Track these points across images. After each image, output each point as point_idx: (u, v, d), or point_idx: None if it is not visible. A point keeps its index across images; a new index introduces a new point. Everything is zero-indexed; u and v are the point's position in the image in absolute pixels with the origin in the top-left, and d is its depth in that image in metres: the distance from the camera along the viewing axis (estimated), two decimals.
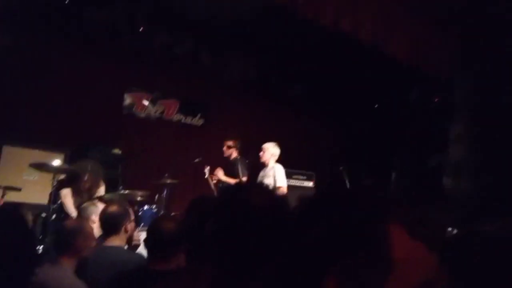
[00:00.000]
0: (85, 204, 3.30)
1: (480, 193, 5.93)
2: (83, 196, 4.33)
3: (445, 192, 6.24)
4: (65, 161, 5.10)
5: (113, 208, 2.63)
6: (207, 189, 5.37)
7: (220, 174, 5.25)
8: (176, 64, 6.46)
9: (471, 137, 6.25)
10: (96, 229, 2.78)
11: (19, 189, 4.45)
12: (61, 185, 4.34)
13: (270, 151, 5.15)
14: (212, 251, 1.08)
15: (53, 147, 5.22)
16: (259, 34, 6.24)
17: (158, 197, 5.14)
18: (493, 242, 1.47)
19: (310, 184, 7.22)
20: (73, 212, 4.19)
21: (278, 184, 4.96)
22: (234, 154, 5.39)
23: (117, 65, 6.13)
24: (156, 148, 6.36)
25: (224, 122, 7.00)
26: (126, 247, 2.74)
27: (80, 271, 2.30)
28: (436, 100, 6.72)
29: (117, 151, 5.70)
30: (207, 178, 5.45)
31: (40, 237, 4.26)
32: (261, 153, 5.17)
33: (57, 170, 4.18)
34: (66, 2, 5.28)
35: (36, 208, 4.56)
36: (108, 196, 4.34)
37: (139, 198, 4.77)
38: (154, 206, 5.06)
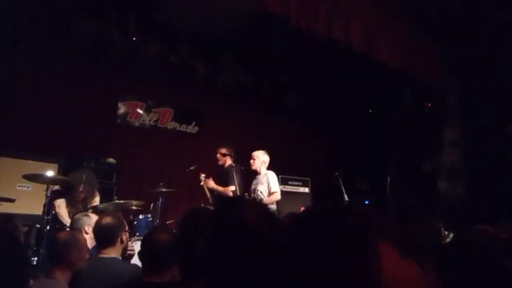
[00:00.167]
0: (77, 215, 3.27)
1: (474, 197, 5.97)
2: (78, 207, 4.30)
3: (440, 196, 6.28)
4: (59, 171, 5.07)
5: (108, 220, 2.61)
6: (203, 197, 5.35)
7: (211, 183, 5.26)
8: (170, 73, 6.46)
9: (465, 142, 6.31)
10: (89, 240, 2.76)
11: (13, 200, 4.40)
12: (55, 195, 4.31)
13: (261, 158, 5.25)
14: (204, 265, 1.08)
15: (47, 157, 5.18)
16: (252, 42, 6.28)
17: (153, 205, 5.11)
18: (486, 249, 1.48)
19: (306, 190, 7.25)
20: (67, 222, 4.16)
21: (272, 190, 5.10)
22: (228, 161, 5.38)
23: (111, 74, 6.13)
24: (151, 156, 6.35)
25: (219, 130, 7.00)
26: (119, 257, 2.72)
27: (74, 284, 2.28)
28: (429, 105, 6.79)
29: (111, 160, 5.68)
30: (202, 185, 5.44)
31: (34, 248, 4.22)
32: (251, 161, 5.26)
33: (51, 181, 4.15)
34: (60, 12, 5.29)
35: (30, 219, 4.51)
36: (103, 206, 4.31)
37: (134, 207, 4.76)
38: (149, 215, 5.03)
